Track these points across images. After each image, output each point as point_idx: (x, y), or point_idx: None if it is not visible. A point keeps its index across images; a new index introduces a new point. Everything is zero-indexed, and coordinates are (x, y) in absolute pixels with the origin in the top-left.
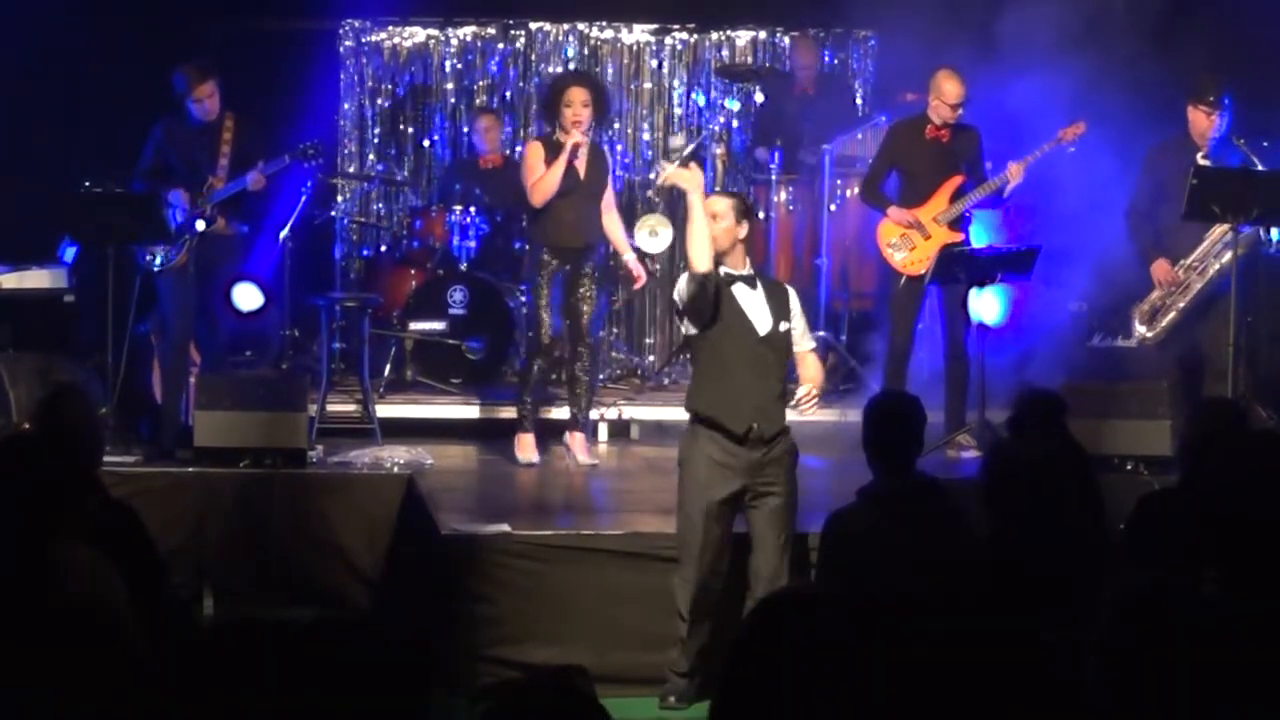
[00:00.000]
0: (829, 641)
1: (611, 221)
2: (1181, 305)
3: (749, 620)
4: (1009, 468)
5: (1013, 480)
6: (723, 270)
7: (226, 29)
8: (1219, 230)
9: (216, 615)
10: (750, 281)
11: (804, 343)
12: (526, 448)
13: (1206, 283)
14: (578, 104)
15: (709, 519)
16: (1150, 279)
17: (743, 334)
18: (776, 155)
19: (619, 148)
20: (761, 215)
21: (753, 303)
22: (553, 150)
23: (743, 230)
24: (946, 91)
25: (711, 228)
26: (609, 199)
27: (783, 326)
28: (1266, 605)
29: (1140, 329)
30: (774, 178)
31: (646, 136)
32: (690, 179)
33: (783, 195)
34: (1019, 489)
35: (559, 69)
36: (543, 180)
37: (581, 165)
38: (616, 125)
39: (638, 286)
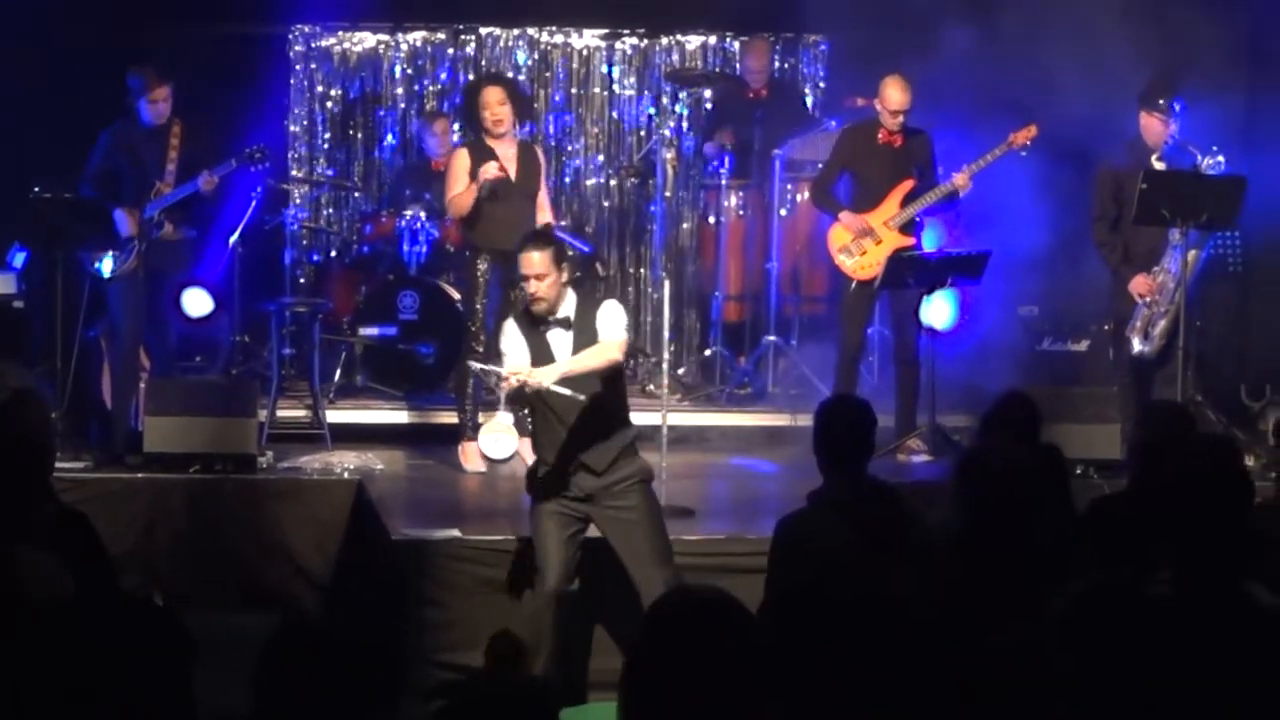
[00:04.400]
0: (776, 646)
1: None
2: (1166, 308)
3: (643, 623)
4: (982, 467)
5: (985, 481)
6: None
7: (176, 34)
8: (1178, 233)
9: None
10: (566, 323)
11: (605, 335)
12: (472, 456)
13: (1179, 282)
14: (494, 103)
15: (559, 539)
16: (1111, 288)
17: None
18: (727, 160)
19: (569, 149)
20: (712, 220)
21: (560, 345)
22: (478, 154)
23: (565, 275)
24: (889, 99)
25: (539, 288)
26: (543, 199)
27: None
28: (1214, 607)
29: (1140, 346)
30: (724, 182)
31: (596, 141)
32: (543, 375)
33: (733, 200)
34: (991, 489)
35: (510, 74)
36: (457, 199)
37: (512, 167)
38: (569, 130)
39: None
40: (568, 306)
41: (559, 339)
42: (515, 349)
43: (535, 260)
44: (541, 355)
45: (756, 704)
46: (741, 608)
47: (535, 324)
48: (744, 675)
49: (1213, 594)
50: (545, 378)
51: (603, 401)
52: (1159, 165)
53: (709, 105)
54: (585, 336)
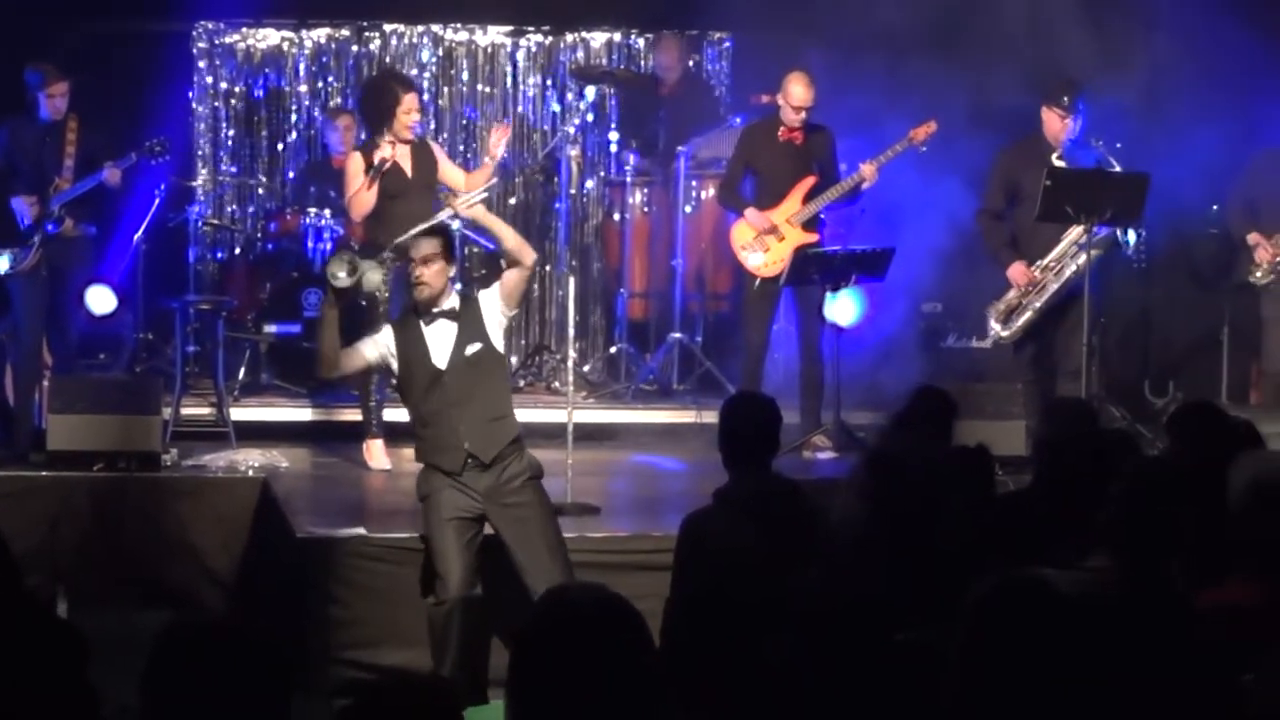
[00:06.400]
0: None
1: (454, 173)
2: (1038, 305)
3: (529, 620)
4: (897, 467)
5: (900, 480)
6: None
7: (78, 31)
8: (1075, 232)
9: (71, 619)
10: (451, 314)
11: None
12: (377, 454)
13: (1063, 284)
14: (415, 112)
15: (459, 545)
16: (1004, 279)
17: (424, 373)
18: (632, 157)
19: (463, 148)
20: (617, 217)
21: (442, 337)
22: (372, 155)
23: (452, 268)
24: (792, 95)
25: (424, 272)
26: (444, 161)
27: (470, 349)
28: (1134, 602)
29: (996, 328)
30: (629, 179)
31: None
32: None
33: (638, 197)
34: (907, 489)
35: (414, 71)
36: (358, 197)
37: (408, 163)
38: (466, 126)
39: (503, 137)
40: (451, 301)
41: (442, 330)
42: (384, 342)
43: (424, 245)
44: (422, 349)
45: (643, 701)
46: (624, 604)
47: (418, 318)
48: (629, 673)
49: (1134, 589)
50: (467, 205)
51: (481, 394)
52: (1059, 163)
53: (613, 101)
54: (469, 327)
